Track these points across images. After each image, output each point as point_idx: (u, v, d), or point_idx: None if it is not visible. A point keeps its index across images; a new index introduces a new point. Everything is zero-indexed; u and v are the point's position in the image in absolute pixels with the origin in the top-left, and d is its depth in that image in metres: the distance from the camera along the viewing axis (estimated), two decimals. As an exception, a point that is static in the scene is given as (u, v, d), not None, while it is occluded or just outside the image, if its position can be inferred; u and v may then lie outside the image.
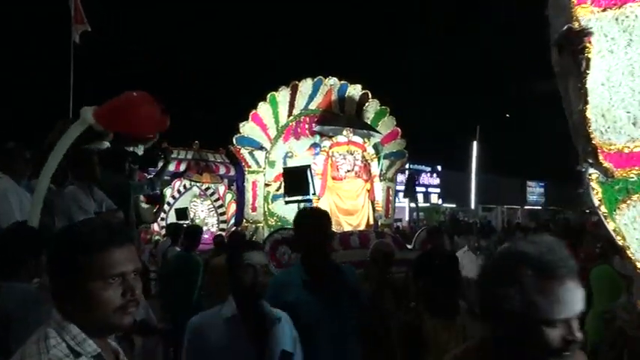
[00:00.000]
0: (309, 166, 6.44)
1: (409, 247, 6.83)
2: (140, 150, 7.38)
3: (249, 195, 7.42)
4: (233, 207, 12.26)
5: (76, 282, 1.16)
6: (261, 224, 7.45)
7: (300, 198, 6.48)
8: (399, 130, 8.21)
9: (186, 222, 11.17)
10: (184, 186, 12.70)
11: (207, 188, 12.72)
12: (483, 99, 30.31)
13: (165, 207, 12.56)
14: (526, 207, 31.42)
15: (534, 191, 33.37)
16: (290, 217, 7.63)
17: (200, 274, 5.44)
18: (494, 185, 24.57)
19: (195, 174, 12.88)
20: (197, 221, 12.77)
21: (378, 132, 7.74)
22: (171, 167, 12.88)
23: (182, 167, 12.95)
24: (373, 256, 4.83)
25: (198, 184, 12.71)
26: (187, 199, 12.64)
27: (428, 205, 24.96)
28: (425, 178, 26.25)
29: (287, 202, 6.67)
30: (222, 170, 13.13)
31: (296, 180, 6.31)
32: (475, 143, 20.64)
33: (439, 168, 27.51)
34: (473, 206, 21.21)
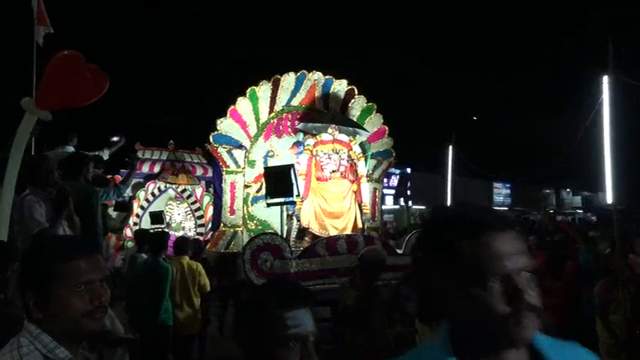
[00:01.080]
0: (292, 165, 5.96)
1: (399, 251, 6.41)
2: (105, 154, 7.05)
3: (227, 197, 6.90)
4: (211, 210, 11.68)
5: (46, 291, 1.22)
6: (241, 228, 6.94)
7: (282, 200, 6.01)
8: (387, 128, 7.79)
9: (162, 226, 10.59)
10: (159, 188, 12.06)
11: (184, 190, 12.12)
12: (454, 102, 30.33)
13: (139, 211, 11.97)
14: (493, 208, 31.97)
15: (501, 192, 34.22)
16: (272, 220, 7.15)
17: (168, 280, 5.32)
18: (462, 187, 24.74)
19: (171, 175, 12.25)
20: (173, 225, 12.19)
21: (365, 130, 7.30)
22: (145, 168, 12.32)
23: (156, 168, 12.30)
24: (364, 265, 4.39)
25: (173, 186, 12.09)
26: (162, 202, 12.01)
27: (397, 207, 24.91)
28: (394, 180, 26.17)
29: (269, 205, 6.19)
30: (199, 171, 12.55)
31: (278, 181, 5.84)
32: (451, 147, 21.20)
33: (408, 170, 27.49)
34: None
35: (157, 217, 10.41)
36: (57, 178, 3.65)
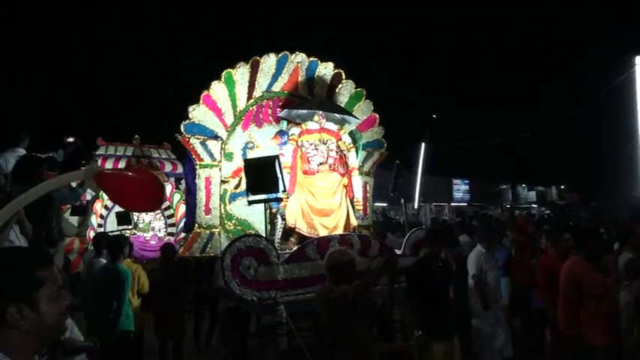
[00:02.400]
0: (277, 156, 5.21)
1: (398, 252, 5.76)
2: (60, 156, 6.41)
3: (201, 194, 6.08)
4: (182, 209, 10.84)
5: (31, 299, 1.24)
6: (218, 229, 6.14)
7: (266, 197, 5.25)
8: (377, 116, 7.11)
9: (129, 227, 9.71)
10: (124, 186, 11.07)
11: (152, 188, 11.16)
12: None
13: (103, 211, 11.02)
14: (452, 204, 32.95)
15: (460, 188, 34.88)
16: (253, 220, 6.36)
17: (128, 285, 5.27)
18: (423, 183, 24.62)
19: (138, 172, 11.29)
20: (141, 226, 11.30)
21: (355, 117, 6.60)
22: (109, 165, 11.39)
23: (121, 165, 11.36)
24: (330, 271, 3.75)
25: (140, 184, 11.12)
26: (128, 202, 11.04)
27: (384, 204, 24.61)
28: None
29: (250, 203, 5.42)
30: (168, 167, 11.69)
31: (261, 174, 5.08)
32: (423, 145, 21.64)
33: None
34: (416, 205, 21.01)
35: (124, 217, 9.60)
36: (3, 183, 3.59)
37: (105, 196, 10.92)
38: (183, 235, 10.70)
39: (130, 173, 2.17)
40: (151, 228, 11.18)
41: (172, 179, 11.44)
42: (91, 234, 10.32)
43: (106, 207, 10.94)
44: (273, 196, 5.36)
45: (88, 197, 7.80)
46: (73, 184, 5.81)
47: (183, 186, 11.43)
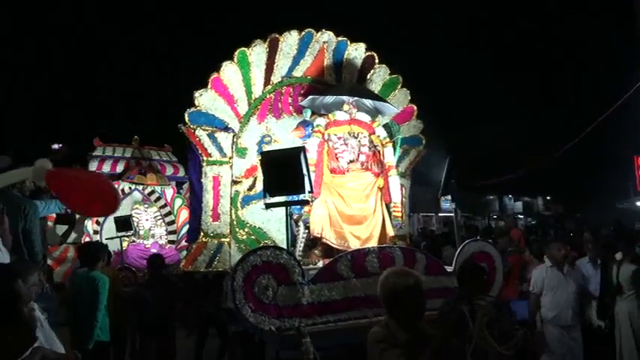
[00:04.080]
0: (302, 148, 4.18)
1: (449, 269, 4.71)
2: (47, 164, 5.75)
3: (208, 197, 5.08)
4: (184, 214, 9.88)
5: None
6: (227, 239, 5.13)
7: (289, 199, 4.23)
8: (415, 107, 6.10)
9: (129, 233, 8.79)
10: (122, 190, 10.16)
11: (152, 192, 10.26)
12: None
13: (100, 218, 10.05)
14: (440, 214, 32.77)
15: (447, 199, 35.20)
16: (270, 227, 5.33)
17: (103, 293, 4.90)
18: (411, 194, 23.81)
19: (138, 175, 10.40)
20: (141, 233, 10.32)
21: (393, 106, 5.58)
22: (106, 168, 10.49)
23: (119, 168, 10.48)
24: (387, 299, 2.67)
25: (140, 188, 10.21)
26: (127, 207, 10.12)
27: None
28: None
29: (268, 207, 4.39)
30: (169, 170, 10.77)
31: (283, 171, 4.06)
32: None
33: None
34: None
35: (124, 222, 8.68)
36: None
37: (102, 201, 10.01)
38: (185, 243, 9.86)
39: (83, 177, 2.25)
40: (151, 235, 10.22)
41: (173, 183, 10.52)
42: (87, 240, 9.42)
43: (102, 212, 9.98)
44: (297, 198, 4.34)
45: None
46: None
47: (183, 190, 10.54)
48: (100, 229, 10.02)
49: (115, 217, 8.89)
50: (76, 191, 2.29)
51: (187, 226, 10.00)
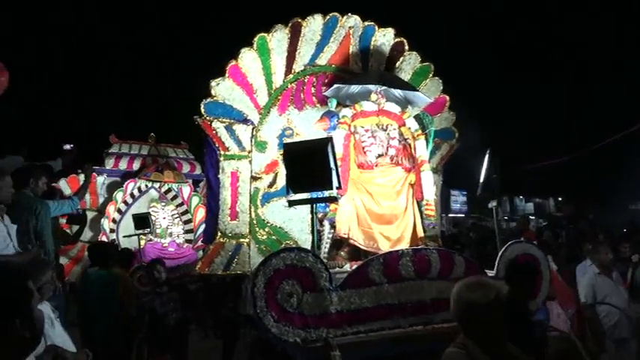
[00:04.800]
0: (330, 139, 3.74)
1: (491, 273, 4.24)
2: (58, 164, 5.99)
3: (226, 194, 4.68)
4: (201, 213, 9.55)
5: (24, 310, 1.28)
6: (247, 239, 4.72)
7: (312, 196, 3.80)
8: (447, 98, 5.61)
9: (147, 231, 8.51)
10: (139, 188, 9.87)
11: (168, 190, 9.94)
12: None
13: (116, 215, 9.80)
14: (450, 215, 31.83)
15: (457, 199, 33.71)
16: (292, 227, 4.91)
17: (116, 291, 4.87)
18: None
19: (155, 172, 10.09)
20: (158, 231, 10.01)
21: (425, 95, 5.10)
22: (123, 165, 10.23)
23: (136, 165, 10.19)
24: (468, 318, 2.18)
25: (156, 186, 9.90)
26: (144, 204, 9.86)
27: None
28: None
29: (291, 204, 3.97)
30: (185, 168, 10.47)
31: (308, 164, 3.62)
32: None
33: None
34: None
35: (143, 220, 8.39)
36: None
37: (119, 198, 9.74)
38: (201, 242, 9.52)
39: None
40: (169, 234, 9.90)
41: (190, 181, 10.19)
42: (103, 239, 9.17)
43: (119, 210, 9.72)
44: (323, 194, 3.91)
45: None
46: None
47: (200, 188, 10.22)
48: (117, 227, 9.76)
49: (133, 215, 8.62)
50: None
51: (204, 225, 9.73)
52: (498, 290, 2.10)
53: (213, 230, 4.73)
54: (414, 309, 3.86)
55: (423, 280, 3.93)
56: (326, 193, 3.87)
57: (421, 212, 4.81)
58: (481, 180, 5.37)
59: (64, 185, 8.92)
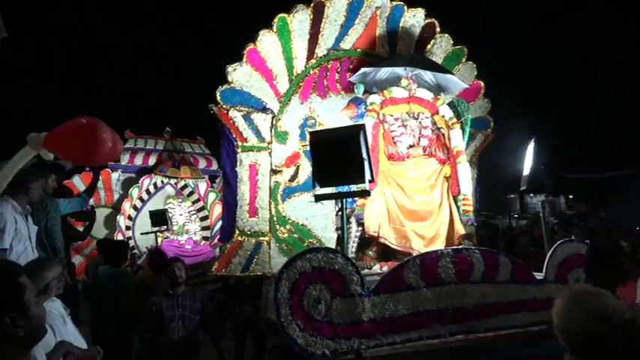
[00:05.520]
0: (362, 126, 3.27)
1: (539, 276, 3.74)
2: (69, 163, 5.96)
3: (244, 188, 4.25)
4: (218, 209, 9.16)
5: (17, 306, 1.24)
6: (267, 238, 4.29)
7: (343, 189, 3.35)
8: (482, 84, 5.11)
9: (163, 228, 8.15)
10: (155, 184, 9.51)
11: (184, 186, 9.57)
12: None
13: (132, 212, 9.45)
14: None
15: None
16: (315, 225, 4.46)
17: (127, 289, 4.73)
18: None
19: (171, 168, 9.72)
20: (175, 228, 9.64)
21: (460, 80, 4.61)
22: (138, 160, 9.86)
23: (151, 160, 9.81)
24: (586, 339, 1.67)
25: (172, 182, 9.53)
26: (160, 201, 9.49)
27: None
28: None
29: (318, 199, 3.51)
30: (201, 164, 10.07)
31: (337, 154, 3.17)
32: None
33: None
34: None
35: (160, 217, 8.04)
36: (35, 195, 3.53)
37: (134, 194, 9.39)
38: (217, 239, 9.13)
39: (69, 123, 1.98)
40: (186, 231, 9.54)
41: (206, 177, 9.80)
42: (119, 236, 8.83)
43: (134, 207, 9.37)
44: (352, 188, 3.45)
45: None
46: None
47: (216, 184, 9.85)
48: (133, 224, 9.42)
49: (150, 211, 8.28)
50: (75, 142, 2.13)
51: (221, 222, 9.35)
52: (616, 306, 1.61)
53: (231, 228, 4.31)
54: (456, 316, 3.39)
55: (464, 284, 3.45)
56: (353, 187, 3.41)
57: (457, 208, 4.32)
58: (525, 172, 4.82)
59: (78, 182, 8.60)
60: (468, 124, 4.50)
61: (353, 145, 3.16)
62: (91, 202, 9.10)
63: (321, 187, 3.35)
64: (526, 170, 4.89)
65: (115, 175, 9.45)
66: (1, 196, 3.15)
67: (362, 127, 3.24)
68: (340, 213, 3.29)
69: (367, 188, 3.20)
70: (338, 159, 3.20)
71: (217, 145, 4.71)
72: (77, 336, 2.69)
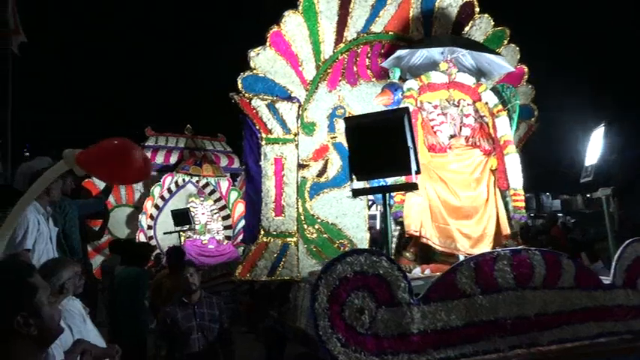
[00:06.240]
0: (407, 109, 2.75)
1: (607, 280, 3.17)
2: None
3: (269, 184, 3.76)
4: (240, 208, 8.72)
5: (28, 306, 1.22)
6: (294, 239, 3.78)
7: (388, 182, 2.84)
8: (525, 69, 4.53)
9: (185, 228, 7.76)
10: (176, 183, 9.10)
11: (206, 185, 9.14)
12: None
13: (153, 211, 9.06)
14: None
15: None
16: (346, 224, 3.91)
17: (145, 289, 4.66)
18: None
19: (193, 166, 9.29)
20: (197, 227, 9.21)
21: (504, 62, 4.06)
22: (159, 158, 9.45)
23: (173, 158, 9.40)
24: None
25: (193, 181, 9.11)
26: (182, 199, 9.07)
27: None
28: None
29: (356, 194, 3.01)
30: (223, 161, 9.63)
31: (380, 142, 2.66)
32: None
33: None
34: None
35: (183, 216, 7.64)
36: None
37: (156, 193, 8.99)
38: (239, 241, 8.68)
39: (103, 142, 1.94)
40: (208, 230, 9.11)
41: (228, 175, 9.36)
42: (141, 236, 8.45)
43: (156, 206, 8.96)
44: (389, 182, 2.93)
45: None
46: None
47: (238, 182, 9.41)
48: (154, 224, 9.03)
49: (172, 211, 7.88)
50: (107, 163, 2.00)
51: (244, 221, 8.90)
52: None
53: (255, 228, 3.82)
54: (515, 327, 2.86)
55: (524, 290, 2.91)
56: (389, 181, 2.90)
57: (505, 204, 3.77)
58: (591, 162, 4.21)
59: (99, 181, 8.24)
60: (517, 111, 3.94)
61: (396, 131, 2.65)
62: (112, 200, 8.80)
63: (358, 180, 2.84)
64: (591, 159, 4.25)
65: (135, 174, 9.08)
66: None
67: (406, 110, 2.72)
68: (383, 210, 2.76)
69: (414, 181, 2.68)
70: (379, 148, 2.69)
71: (239, 142, 4.24)
72: (97, 335, 2.64)
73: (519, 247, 3.15)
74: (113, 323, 4.62)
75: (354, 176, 2.83)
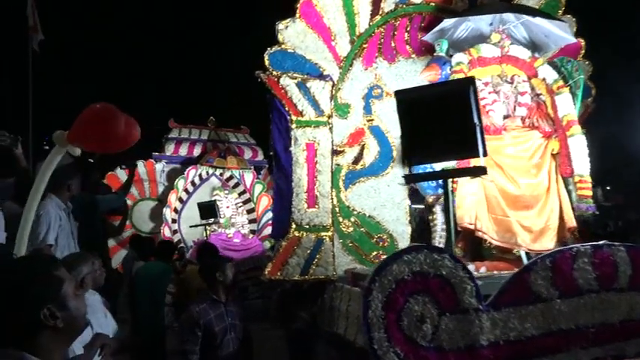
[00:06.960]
0: (472, 79, 2.24)
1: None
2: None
3: (301, 172, 3.27)
4: (264, 201, 8.28)
5: (55, 299, 1.19)
6: (329, 233, 3.29)
7: (449, 167, 2.32)
8: (583, 42, 3.94)
9: (211, 221, 7.37)
10: (200, 175, 8.70)
11: (230, 177, 8.71)
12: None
13: (178, 204, 8.67)
14: None
15: None
16: (385, 216, 3.34)
17: (165, 284, 4.43)
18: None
19: (217, 158, 8.86)
20: (222, 221, 8.79)
21: (564, 31, 3.48)
22: (183, 151, 9.07)
23: (196, 151, 9.00)
24: None
25: (217, 173, 8.70)
26: (206, 192, 8.66)
27: None
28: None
29: (409, 180, 2.51)
30: (247, 154, 9.18)
31: (440, 119, 2.14)
32: None
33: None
34: None
35: (209, 209, 7.28)
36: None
37: (180, 186, 8.60)
38: (267, 233, 8.26)
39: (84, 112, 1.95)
40: (232, 224, 8.69)
41: (252, 167, 8.92)
42: (166, 230, 8.09)
43: (180, 199, 8.57)
44: (436, 167, 2.41)
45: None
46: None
47: (261, 175, 8.98)
48: (178, 217, 8.67)
49: (198, 203, 7.50)
50: (92, 129, 1.93)
51: (268, 215, 8.43)
52: None
53: (285, 221, 3.34)
54: (598, 336, 2.33)
55: (608, 293, 2.37)
56: (479, 161, 2.37)
57: (569, 192, 3.21)
58: None
59: (122, 174, 7.90)
60: (581, 87, 3.36)
61: (460, 106, 2.13)
62: (135, 194, 8.47)
63: (413, 163, 2.33)
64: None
65: (159, 166, 8.70)
66: (45, 193, 3.04)
67: (471, 80, 2.19)
68: (449, 196, 2.24)
69: (481, 164, 2.16)
70: (438, 126, 2.17)
71: (264, 132, 3.77)
72: (116, 330, 2.60)
73: (600, 242, 2.62)
74: (133, 318, 4.52)
75: (406, 160, 2.32)
